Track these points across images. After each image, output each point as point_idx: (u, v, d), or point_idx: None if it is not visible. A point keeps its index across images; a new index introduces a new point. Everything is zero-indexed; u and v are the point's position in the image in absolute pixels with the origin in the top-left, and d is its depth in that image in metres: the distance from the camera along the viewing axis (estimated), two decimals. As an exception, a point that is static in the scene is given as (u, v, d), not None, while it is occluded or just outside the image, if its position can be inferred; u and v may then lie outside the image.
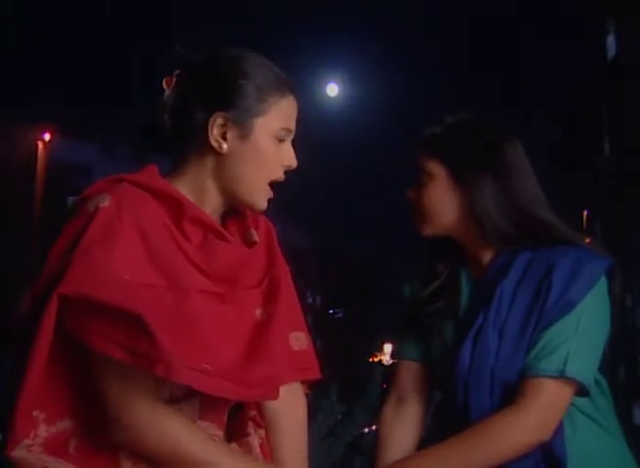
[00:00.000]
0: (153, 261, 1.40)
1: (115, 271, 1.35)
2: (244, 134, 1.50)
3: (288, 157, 1.55)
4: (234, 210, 1.60)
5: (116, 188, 1.46)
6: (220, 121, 1.49)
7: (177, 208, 1.48)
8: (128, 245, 1.39)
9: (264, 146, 1.52)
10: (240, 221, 1.61)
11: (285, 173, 1.57)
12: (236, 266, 1.52)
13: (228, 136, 1.50)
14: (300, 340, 1.60)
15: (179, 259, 1.44)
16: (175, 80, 1.55)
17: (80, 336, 1.34)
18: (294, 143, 1.58)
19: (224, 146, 1.50)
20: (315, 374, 1.64)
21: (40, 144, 19.36)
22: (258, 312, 1.52)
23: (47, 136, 19.49)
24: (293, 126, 1.56)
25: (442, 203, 1.82)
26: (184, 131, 1.52)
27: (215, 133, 1.49)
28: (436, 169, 1.82)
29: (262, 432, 1.59)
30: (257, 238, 1.59)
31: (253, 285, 1.55)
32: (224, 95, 1.50)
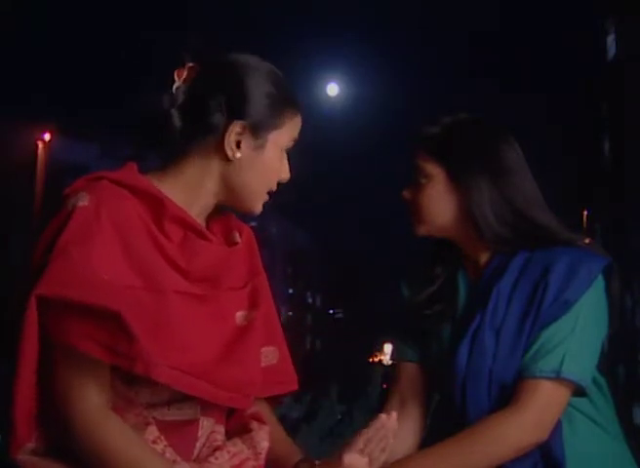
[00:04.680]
0: (131, 262, 1.39)
1: (93, 270, 1.34)
2: (258, 145, 1.51)
3: (285, 170, 1.57)
4: (218, 212, 1.59)
5: (95, 186, 1.44)
6: (238, 129, 1.49)
7: (157, 206, 1.46)
8: (105, 244, 1.38)
9: (272, 159, 1.53)
10: (224, 223, 1.60)
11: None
12: (217, 265, 1.51)
13: (243, 144, 1.49)
14: (268, 356, 1.60)
15: (157, 260, 1.43)
16: (187, 73, 1.52)
17: (59, 336, 1.33)
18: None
19: (238, 155, 1.49)
20: (286, 388, 1.64)
21: (40, 144, 19.31)
22: (238, 315, 1.52)
23: (47, 136, 19.44)
24: (294, 140, 1.58)
25: (439, 204, 1.82)
26: (194, 129, 1.50)
27: (231, 140, 1.49)
28: (434, 170, 1.82)
29: (267, 428, 1.59)
30: (239, 239, 1.58)
31: (234, 286, 1.55)
32: (247, 104, 1.49)
